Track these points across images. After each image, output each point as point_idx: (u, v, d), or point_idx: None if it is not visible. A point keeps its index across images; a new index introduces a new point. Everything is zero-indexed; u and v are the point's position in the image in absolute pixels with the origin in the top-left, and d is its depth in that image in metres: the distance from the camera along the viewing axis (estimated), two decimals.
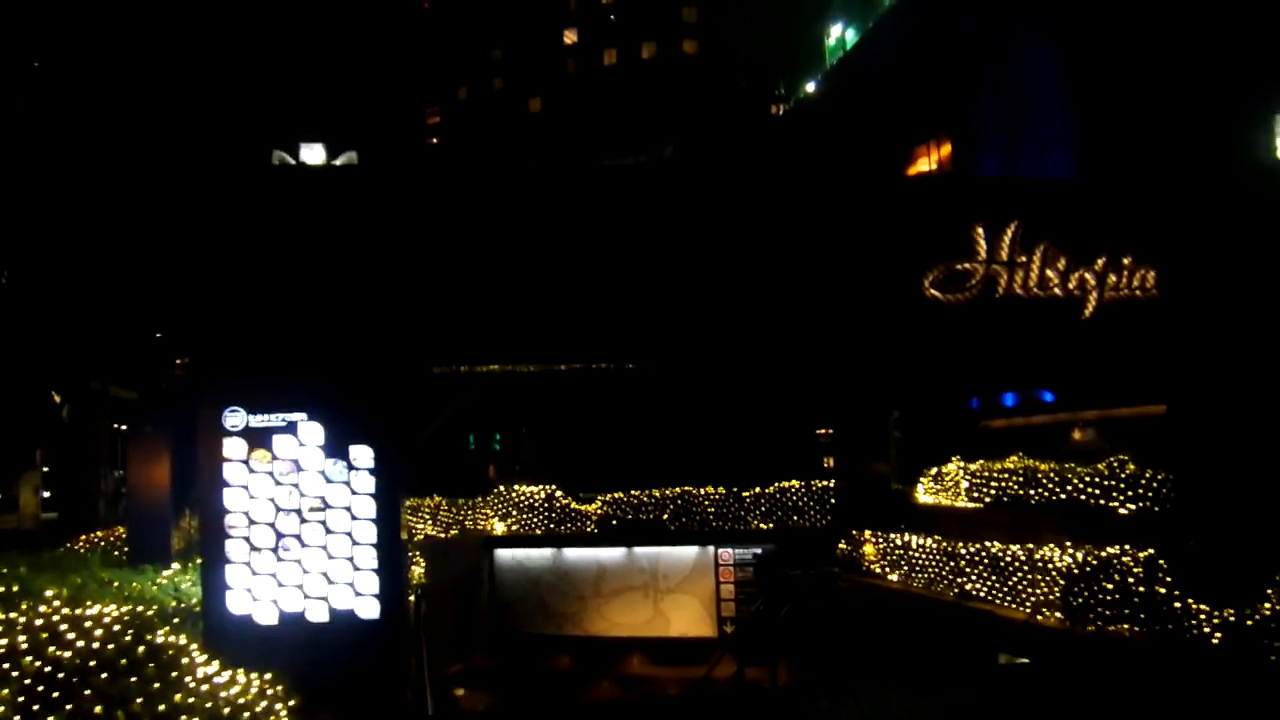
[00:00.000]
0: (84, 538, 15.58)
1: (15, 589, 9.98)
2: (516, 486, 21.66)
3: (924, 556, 15.74)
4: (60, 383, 31.81)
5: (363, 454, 9.93)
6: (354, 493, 9.92)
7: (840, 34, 48.14)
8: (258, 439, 9.93)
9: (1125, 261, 12.30)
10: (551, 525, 21.45)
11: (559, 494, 21.62)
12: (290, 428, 9.94)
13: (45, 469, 34.64)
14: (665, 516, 21.31)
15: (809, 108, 48.42)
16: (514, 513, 21.50)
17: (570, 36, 71.43)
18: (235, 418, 9.91)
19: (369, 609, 9.90)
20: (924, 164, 38.31)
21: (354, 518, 9.92)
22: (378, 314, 10.35)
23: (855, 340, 12.25)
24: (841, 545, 18.49)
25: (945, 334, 12.04)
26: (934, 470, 18.29)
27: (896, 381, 19.28)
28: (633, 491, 21.73)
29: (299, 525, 9.91)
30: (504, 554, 21.29)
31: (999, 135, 33.98)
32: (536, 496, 21.52)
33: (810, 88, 50.73)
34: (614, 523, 21.26)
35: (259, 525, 9.90)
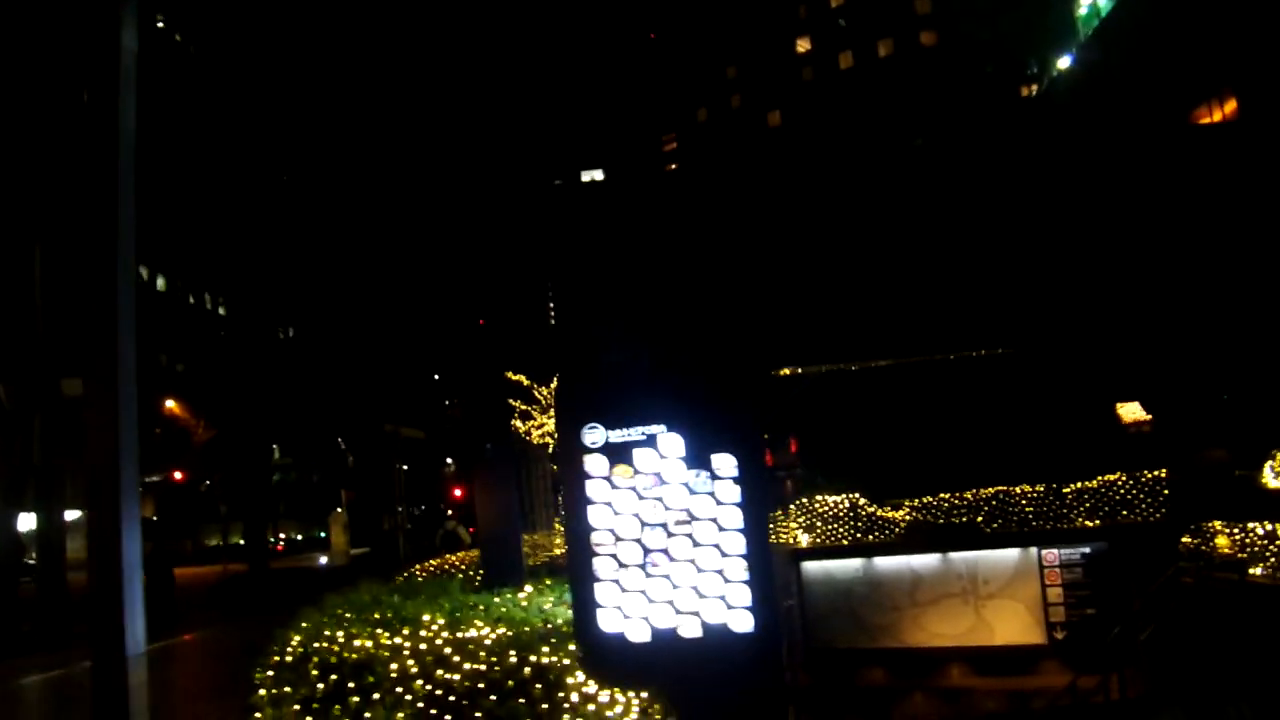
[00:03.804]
0: (418, 566, 16.14)
1: (389, 615, 10.25)
2: (819, 497, 21.19)
3: None
4: (357, 427, 33.76)
5: (725, 463, 9.63)
6: (719, 503, 9.62)
7: (1093, 1, 45.45)
8: (618, 454, 9.80)
9: None
10: (858, 534, 20.84)
11: (863, 501, 21.00)
12: (649, 440, 9.75)
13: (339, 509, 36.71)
14: (980, 519, 20.32)
15: (1067, 82, 45.97)
16: (818, 524, 21.03)
17: (803, 45, 70.18)
18: (594, 434, 9.84)
19: (742, 622, 9.57)
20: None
21: (721, 529, 9.61)
22: (725, 321, 10.14)
23: (1186, 317, 11.24)
24: (1186, 539, 17.06)
25: None
26: None
27: (1233, 357, 17.82)
28: (942, 495, 20.85)
29: (665, 539, 9.70)
30: (811, 566, 20.79)
31: None
32: (840, 506, 20.98)
33: (1064, 63, 48.11)
34: (924, 528, 20.45)
35: (625, 541, 9.76)
